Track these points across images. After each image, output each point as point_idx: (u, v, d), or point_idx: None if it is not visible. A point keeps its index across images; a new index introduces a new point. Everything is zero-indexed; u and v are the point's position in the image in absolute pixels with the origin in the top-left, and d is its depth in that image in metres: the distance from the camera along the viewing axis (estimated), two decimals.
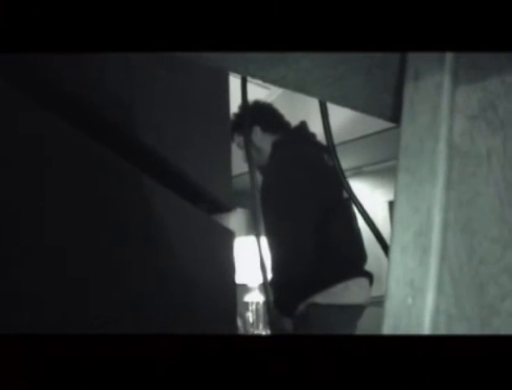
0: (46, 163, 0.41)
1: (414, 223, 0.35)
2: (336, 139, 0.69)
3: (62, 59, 0.45)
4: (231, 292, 0.79)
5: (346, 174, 0.69)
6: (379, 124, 3.05)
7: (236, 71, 0.44)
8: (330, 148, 0.63)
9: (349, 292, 1.73)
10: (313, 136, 1.99)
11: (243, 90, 0.55)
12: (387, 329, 0.35)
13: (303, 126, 2.00)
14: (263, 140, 1.91)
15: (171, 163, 0.65)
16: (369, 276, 1.83)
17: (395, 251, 0.35)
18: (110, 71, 0.53)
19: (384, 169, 3.62)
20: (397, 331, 0.34)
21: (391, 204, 3.71)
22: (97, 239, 0.47)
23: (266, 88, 3.20)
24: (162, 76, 0.64)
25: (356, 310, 1.77)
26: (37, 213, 0.39)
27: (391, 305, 0.35)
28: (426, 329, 0.33)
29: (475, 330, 0.33)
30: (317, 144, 1.96)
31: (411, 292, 0.34)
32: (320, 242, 1.72)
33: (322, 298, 1.71)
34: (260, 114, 1.90)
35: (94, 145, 0.48)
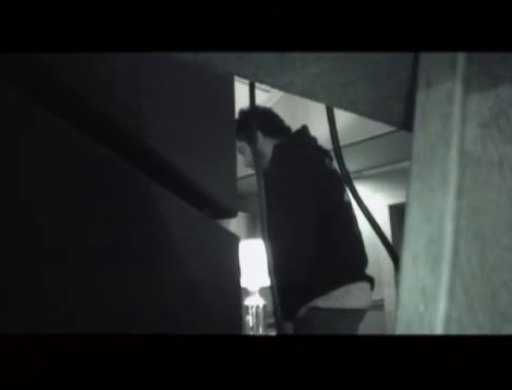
0: (52, 167, 0.41)
1: (425, 230, 0.35)
2: None
3: (69, 62, 0.45)
4: (236, 295, 0.79)
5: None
6: (380, 128, 3.06)
7: (245, 76, 0.44)
8: (336, 152, 0.63)
9: (350, 296, 1.73)
10: (313, 139, 2.00)
11: (251, 96, 0.54)
12: None
13: (304, 130, 2.01)
14: (264, 145, 1.92)
15: (176, 168, 0.65)
16: (370, 280, 1.83)
17: (407, 259, 0.35)
18: (117, 76, 0.53)
19: (384, 173, 3.63)
20: None
21: (391, 208, 3.72)
22: (102, 242, 0.47)
23: (266, 91, 3.21)
24: (168, 82, 0.64)
25: (357, 314, 1.77)
26: (42, 216, 0.39)
27: (403, 313, 0.35)
28: None
29: None
30: (318, 148, 1.96)
31: (423, 299, 0.34)
32: (321, 246, 1.72)
33: (323, 302, 1.71)
34: (261, 119, 1.90)
35: (100, 149, 0.48)
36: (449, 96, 0.35)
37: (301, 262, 1.69)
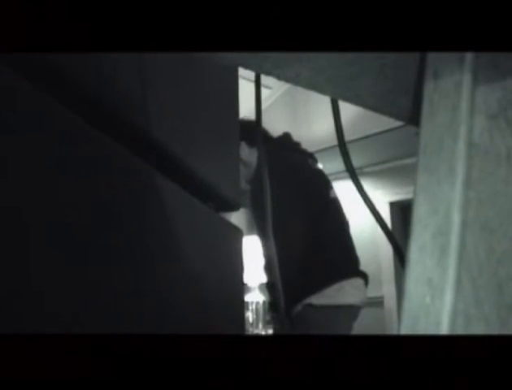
0: (56, 157, 0.41)
1: (432, 222, 0.35)
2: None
3: (75, 58, 0.45)
4: (239, 289, 0.79)
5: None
6: (381, 125, 3.06)
7: (251, 68, 0.44)
8: (341, 146, 0.63)
9: (343, 292, 1.75)
10: (297, 144, 2.06)
11: (257, 89, 0.54)
12: (404, 329, 0.35)
13: (286, 136, 2.08)
14: (250, 155, 1.97)
15: (181, 160, 0.65)
16: (364, 276, 1.86)
17: (413, 250, 0.35)
18: (123, 69, 0.53)
19: (384, 170, 3.63)
20: (415, 331, 0.34)
21: (392, 205, 3.72)
22: (105, 235, 0.47)
23: (267, 87, 3.20)
24: (173, 75, 0.64)
25: (351, 311, 1.79)
26: (48, 208, 0.39)
27: (409, 305, 0.35)
28: (444, 329, 0.33)
29: (494, 330, 0.33)
30: (301, 151, 2.02)
31: (429, 291, 0.34)
32: (311, 245, 1.75)
33: (317, 299, 1.73)
34: (245, 131, 1.92)
35: (106, 140, 0.48)
36: (457, 88, 0.35)
37: (291, 263, 1.70)
